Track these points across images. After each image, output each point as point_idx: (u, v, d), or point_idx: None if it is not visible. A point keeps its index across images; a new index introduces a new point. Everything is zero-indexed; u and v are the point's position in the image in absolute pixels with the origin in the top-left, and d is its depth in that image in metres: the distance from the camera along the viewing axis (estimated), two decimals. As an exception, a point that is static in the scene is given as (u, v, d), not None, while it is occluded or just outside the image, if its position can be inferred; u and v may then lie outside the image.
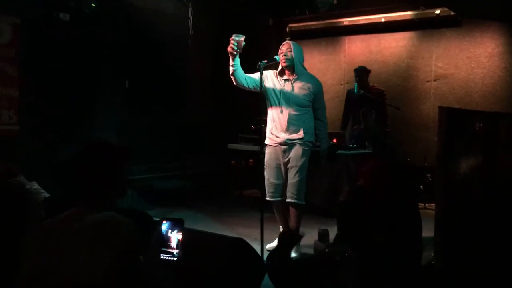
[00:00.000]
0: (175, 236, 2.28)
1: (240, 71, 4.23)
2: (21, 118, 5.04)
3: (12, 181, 2.19)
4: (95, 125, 5.69)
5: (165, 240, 2.29)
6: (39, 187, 2.80)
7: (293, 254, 4.22)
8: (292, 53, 4.26)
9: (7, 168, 2.62)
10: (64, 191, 2.17)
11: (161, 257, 2.25)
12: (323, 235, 3.96)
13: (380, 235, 2.02)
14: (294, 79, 4.30)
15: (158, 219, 2.35)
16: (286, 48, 4.29)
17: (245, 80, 4.27)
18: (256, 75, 4.26)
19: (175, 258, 2.18)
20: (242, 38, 4.06)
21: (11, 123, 4.99)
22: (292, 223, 4.36)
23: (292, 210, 4.34)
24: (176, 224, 2.32)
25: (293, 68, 4.29)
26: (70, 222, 1.69)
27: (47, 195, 2.76)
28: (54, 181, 2.14)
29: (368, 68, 7.23)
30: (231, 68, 4.20)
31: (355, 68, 6.55)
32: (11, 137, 4.93)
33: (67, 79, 5.37)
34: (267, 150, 4.44)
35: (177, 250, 2.25)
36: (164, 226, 2.31)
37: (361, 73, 6.43)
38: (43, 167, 4.44)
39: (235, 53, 4.10)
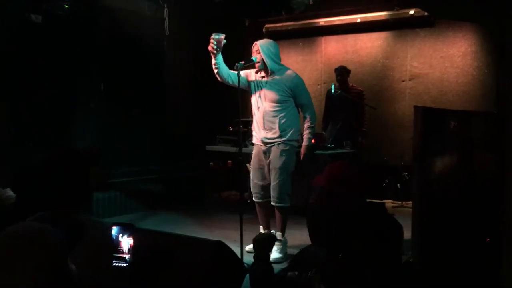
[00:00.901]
0: (125, 241, 2.27)
1: (223, 68, 4.20)
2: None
3: None
4: (72, 129, 5.62)
5: (115, 246, 2.28)
6: (13, 194, 2.74)
7: (278, 255, 4.23)
8: (261, 54, 4.20)
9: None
10: (21, 198, 2.14)
11: (113, 263, 2.23)
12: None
13: (359, 242, 2.04)
14: (269, 76, 4.27)
15: (108, 224, 2.33)
16: (255, 50, 4.25)
17: (229, 76, 4.25)
18: (241, 73, 4.19)
19: (126, 264, 2.16)
20: (222, 36, 4.03)
21: (-17, 128, 4.88)
22: (277, 225, 4.36)
23: (276, 213, 4.34)
24: (126, 229, 2.29)
25: (266, 67, 4.25)
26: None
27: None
28: (14, 188, 2.12)
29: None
30: (214, 67, 4.18)
31: (335, 68, 6.61)
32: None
33: (41, 81, 5.28)
34: (253, 150, 4.47)
35: (128, 255, 2.23)
36: (114, 231, 2.29)
37: (342, 72, 6.51)
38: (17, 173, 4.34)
39: (215, 52, 4.07)
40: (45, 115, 5.30)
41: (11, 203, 2.64)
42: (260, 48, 4.21)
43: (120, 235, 2.27)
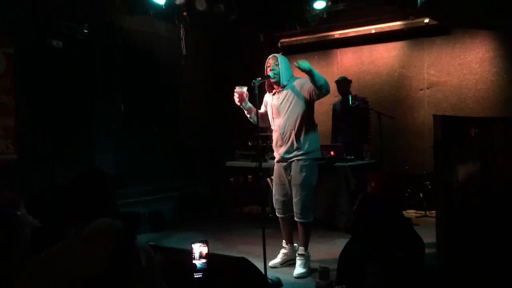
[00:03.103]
0: (197, 248, 2.62)
1: (255, 115, 4.32)
2: (19, 147, 5.06)
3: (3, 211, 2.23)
4: (92, 148, 5.73)
5: (190, 252, 2.61)
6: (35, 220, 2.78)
7: (302, 270, 4.21)
8: (279, 66, 4.23)
9: (10, 199, 2.62)
10: (50, 218, 2.20)
11: (194, 275, 2.47)
12: (323, 273, 3.96)
13: (401, 253, 2.07)
14: (280, 90, 4.28)
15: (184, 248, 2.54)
16: (273, 62, 4.28)
17: (262, 119, 4.38)
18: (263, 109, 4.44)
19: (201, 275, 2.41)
20: (244, 89, 4.16)
21: (9, 152, 5.00)
22: (300, 240, 4.35)
23: (299, 228, 4.33)
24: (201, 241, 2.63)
25: (279, 81, 4.26)
26: (68, 252, 1.74)
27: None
28: (43, 209, 2.22)
29: (361, 78, 7.33)
30: (248, 117, 4.35)
31: (336, 80, 6.64)
32: (10, 166, 4.94)
33: (63, 104, 5.41)
34: (275, 166, 4.48)
35: (202, 261, 2.49)
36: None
37: (344, 83, 6.55)
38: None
39: (239, 104, 4.23)
40: (68, 136, 5.41)
41: (35, 228, 2.70)
42: (279, 59, 4.26)
43: (193, 243, 2.60)
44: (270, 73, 4.26)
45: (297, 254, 4.32)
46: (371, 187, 2.72)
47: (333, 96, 7.67)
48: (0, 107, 4.95)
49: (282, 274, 4.10)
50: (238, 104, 4.23)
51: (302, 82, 4.23)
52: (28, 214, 2.80)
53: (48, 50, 5.21)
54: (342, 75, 7.00)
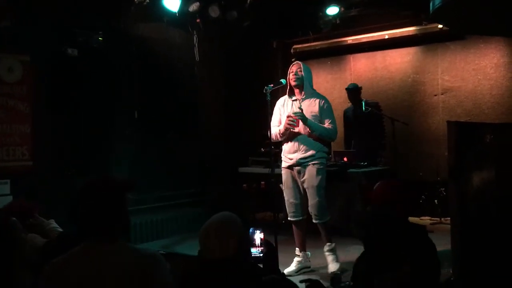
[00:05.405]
0: (258, 236, 2.87)
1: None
2: (36, 154, 5.12)
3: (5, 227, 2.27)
4: (109, 156, 5.76)
5: (251, 240, 2.84)
6: (57, 225, 2.83)
7: (337, 265, 4.34)
8: (302, 72, 4.36)
9: (26, 206, 2.66)
10: (77, 227, 2.23)
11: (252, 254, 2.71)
12: (335, 280, 3.95)
13: (407, 267, 2.03)
14: (303, 98, 4.38)
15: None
16: (296, 68, 4.40)
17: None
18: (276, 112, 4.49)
19: (261, 254, 2.66)
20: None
21: (24, 159, 5.07)
22: (323, 238, 4.46)
23: (320, 228, 4.43)
24: (257, 228, 2.94)
25: (302, 87, 4.37)
26: (85, 257, 1.76)
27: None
28: (69, 218, 2.23)
29: (374, 84, 7.30)
30: (279, 135, 4.37)
31: (346, 87, 6.67)
32: (25, 173, 5.00)
33: (80, 112, 5.48)
34: (283, 171, 4.50)
35: (261, 248, 2.72)
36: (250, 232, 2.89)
37: (354, 91, 6.58)
38: (60, 201, 4.50)
39: (292, 127, 4.29)
40: (83, 143, 5.47)
41: (56, 235, 2.74)
42: (302, 67, 4.39)
43: (253, 231, 2.88)
44: (282, 80, 4.32)
45: (325, 251, 4.41)
46: (372, 199, 2.67)
47: (347, 102, 7.66)
48: (16, 114, 5.02)
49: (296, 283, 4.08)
50: (289, 127, 4.27)
51: (325, 105, 4.42)
52: (47, 220, 2.84)
53: (64, 58, 5.28)
54: (354, 82, 6.98)
